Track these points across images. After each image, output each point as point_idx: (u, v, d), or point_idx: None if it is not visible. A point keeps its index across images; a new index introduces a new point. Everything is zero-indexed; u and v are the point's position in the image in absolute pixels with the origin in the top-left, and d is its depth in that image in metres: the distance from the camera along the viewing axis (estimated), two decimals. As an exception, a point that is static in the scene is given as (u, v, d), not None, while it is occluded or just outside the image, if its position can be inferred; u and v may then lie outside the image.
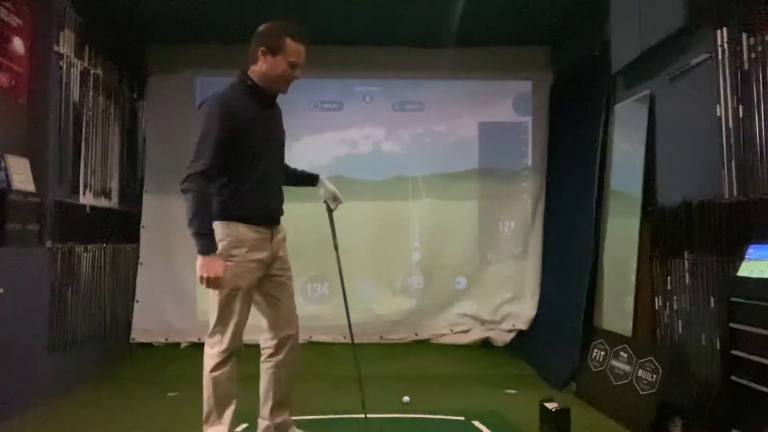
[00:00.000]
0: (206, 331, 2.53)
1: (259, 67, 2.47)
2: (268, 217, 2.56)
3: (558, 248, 4.95)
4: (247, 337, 2.64)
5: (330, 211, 2.89)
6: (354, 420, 3.18)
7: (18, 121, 3.63)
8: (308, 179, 2.91)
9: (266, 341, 2.71)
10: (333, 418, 3.27)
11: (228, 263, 2.35)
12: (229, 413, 2.52)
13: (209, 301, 2.48)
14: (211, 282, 2.28)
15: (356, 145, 5.43)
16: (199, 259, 2.28)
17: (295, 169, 2.89)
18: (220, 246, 2.35)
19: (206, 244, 2.28)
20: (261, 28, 2.53)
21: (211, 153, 2.31)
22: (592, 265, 4.07)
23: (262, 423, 2.69)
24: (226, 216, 2.41)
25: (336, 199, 2.85)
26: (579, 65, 4.75)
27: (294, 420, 2.79)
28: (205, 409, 2.51)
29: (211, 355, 2.50)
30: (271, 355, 2.70)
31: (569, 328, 4.16)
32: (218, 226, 2.39)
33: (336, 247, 2.90)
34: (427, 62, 5.36)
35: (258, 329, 2.68)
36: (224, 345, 2.48)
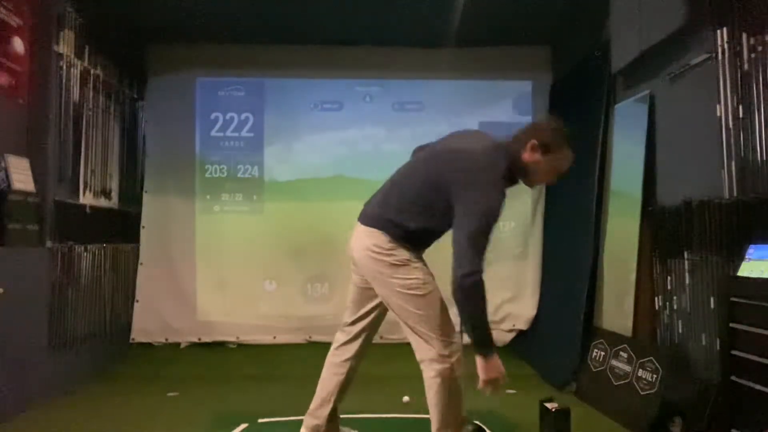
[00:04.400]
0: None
1: (527, 159, 2.31)
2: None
3: (558, 248, 4.95)
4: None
5: None
6: (354, 420, 3.18)
7: (18, 121, 3.63)
8: None
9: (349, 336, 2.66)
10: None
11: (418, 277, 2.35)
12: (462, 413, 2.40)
13: (410, 322, 2.40)
14: (492, 383, 2.20)
15: (356, 145, 5.42)
16: (481, 361, 2.19)
17: None
18: (407, 261, 2.35)
19: (489, 349, 2.19)
20: (542, 122, 2.48)
21: (487, 242, 2.13)
22: (592, 265, 4.07)
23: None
24: (402, 237, 2.37)
25: None
26: (579, 65, 4.74)
27: (298, 420, 2.77)
28: (444, 419, 2.34)
29: (444, 359, 2.33)
30: (349, 356, 2.64)
31: (569, 328, 4.16)
32: (405, 251, 2.37)
33: None
34: (427, 62, 5.36)
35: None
36: (454, 343, 2.36)
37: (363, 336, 2.64)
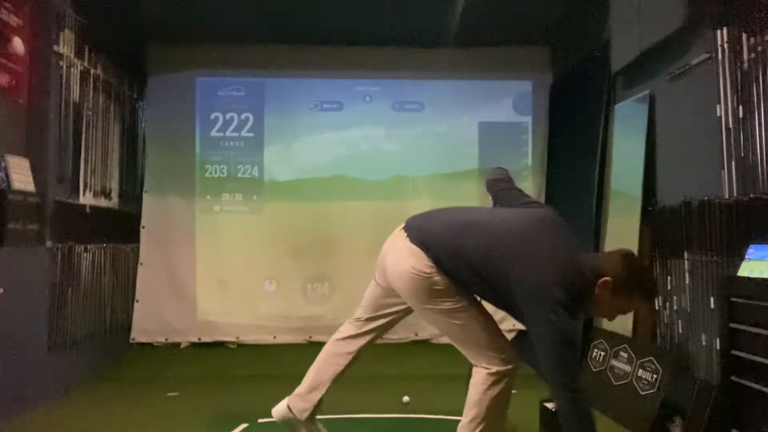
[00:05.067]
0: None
1: (599, 293, 2.09)
2: None
3: (558, 248, 4.94)
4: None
5: None
6: (354, 420, 3.18)
7: (18, 121, 3.63)
8: None
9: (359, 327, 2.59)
10: (334, 418, 3.26)
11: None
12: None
13: (462, 342, 2.36)
14: None
15: (356, 145, 5.42)
16: None
17: None
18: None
19: None
20: (628, 261, 2.14)
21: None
22: (592, 265, 4.06)
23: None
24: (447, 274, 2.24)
25: None
26: (579, 65, 4.75)
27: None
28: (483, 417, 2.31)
29: (498, 373, 2.32)
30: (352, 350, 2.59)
31: (569, 328, 4.16)
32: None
33: None
34: (427, 62, 5.36)
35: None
36: (503, 355, 2.33)
37: (373, 335, 2.58)
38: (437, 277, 2.22)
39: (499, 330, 2.34)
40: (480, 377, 2.31)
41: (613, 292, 2.07)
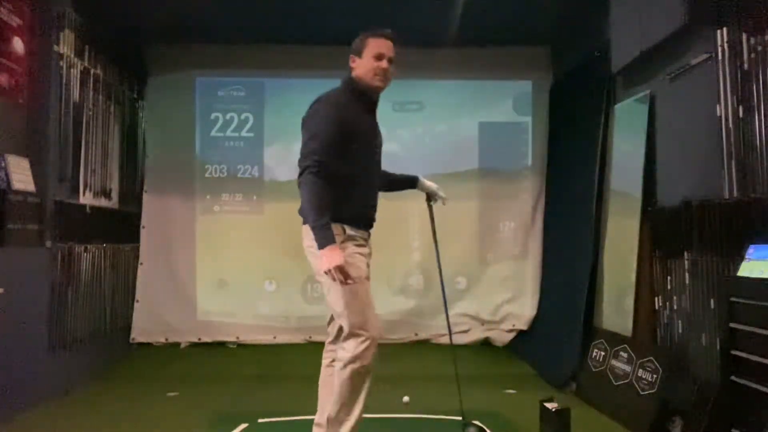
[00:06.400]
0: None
1: (355, 72, 2.60)
2: (368, 219, 2.54)
3: (558, 248, 4.95)
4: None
5: (431, 207, 3.00)
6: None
7: (18, 121, 3.63)
8: (408, 182, 2.94)
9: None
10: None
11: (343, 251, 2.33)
12: (360, 407, 2.37)
13: (332, 296, 2.43)
14: (337, 272, 2.24)
15: (356, 145, 5.42)
16: (320, 255, 2.26)
17: (393, 174, 2.87)
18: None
19: (323, 236, 2.25)
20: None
21: (321, 151, 2.35)
22: (592, 265, 4.07)
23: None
24: (333, 217, 2.36)
25: (437, 196, 2.94)
26: (579, 65, 4.75)
27: (298, 420, 2.76)
28: (335, 407, 2.35)
29: (351, 348, 2.36)
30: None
31: (569, 328, 4.16)
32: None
33: (435, 241, 3.05)
34: (427, 62, 5.35)
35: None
36: (367, 333, 2.36)
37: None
38: None
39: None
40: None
41: (359, 54, 2.62)
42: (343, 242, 2.38)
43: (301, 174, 2.35)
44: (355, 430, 2.35)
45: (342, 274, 2.24)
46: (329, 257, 2.23)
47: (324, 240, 2.24)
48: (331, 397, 2.38)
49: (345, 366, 2.33)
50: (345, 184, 2.40)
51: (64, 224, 3.85)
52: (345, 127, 2.42)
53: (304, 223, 2.42)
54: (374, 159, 2.61)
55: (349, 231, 2.42)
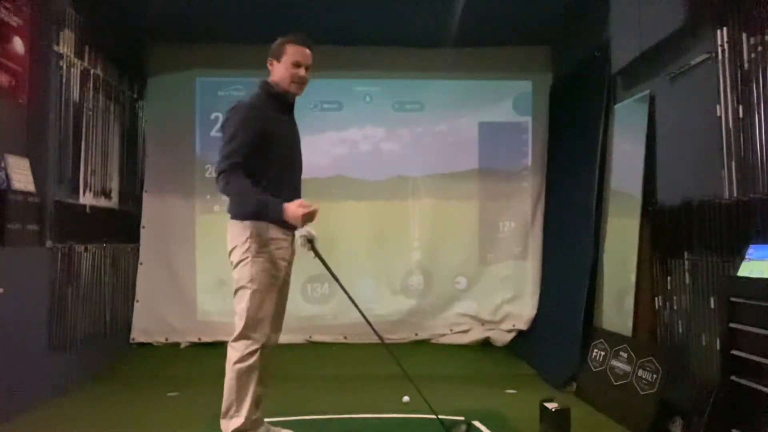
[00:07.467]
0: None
1: (272, 76, 2.69)
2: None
3: (558, 248, 4.95)
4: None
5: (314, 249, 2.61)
6: (355, 420, 3.18)
7: (18, 121, 3.63)
8: None
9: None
10: (333, 418, 3.27)
11: (259, 258, 2.51)
12: (247, 405, 2.54)
13: (238, 298, 2.57)
14: (306, 218, 2.41)
15: (356, 145, 5.42)
16: (286, 218, 2.42)
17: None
18: (248, 244, 2.49)
19: (273, 210, 2.42)
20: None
21: (240, 152, 2.46)
22: (592, 265, 4.07)
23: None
24: (257, 218, 2.52)
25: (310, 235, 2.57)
26: (579, 65, 4.75)
27: (298, 420, 2.78)
28: (225, 404, 2.56)
29: (239, 347, 2.55)
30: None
31: (569, 328, 4.16)
32: (247, 227, 2.51)
33: (336, 279, 2.83)
34: (427, 62, 5.36)
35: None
36: (257, 338, 2.56)
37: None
38: None
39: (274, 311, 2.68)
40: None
41: (277, 58, 2.67)
42: (263, 247, 2.51)
43: (219, 176, 2.46)
44: (249, 425, 2.52)
45: (311, 215, 2.41)
46: (292, 216, 2.38)
47: (275, 208, 2.41)
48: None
49: (233, 365, 2.52)
50: (265, 185, 2.52)
51: (64, 224, 3.85)
52: (263, 128, 2.52)
53: (233, 218, 2.55)
54: (294, 158, 2.74)
55: (274, 231, 2.53)
